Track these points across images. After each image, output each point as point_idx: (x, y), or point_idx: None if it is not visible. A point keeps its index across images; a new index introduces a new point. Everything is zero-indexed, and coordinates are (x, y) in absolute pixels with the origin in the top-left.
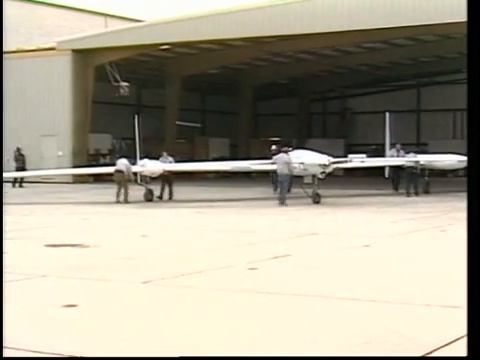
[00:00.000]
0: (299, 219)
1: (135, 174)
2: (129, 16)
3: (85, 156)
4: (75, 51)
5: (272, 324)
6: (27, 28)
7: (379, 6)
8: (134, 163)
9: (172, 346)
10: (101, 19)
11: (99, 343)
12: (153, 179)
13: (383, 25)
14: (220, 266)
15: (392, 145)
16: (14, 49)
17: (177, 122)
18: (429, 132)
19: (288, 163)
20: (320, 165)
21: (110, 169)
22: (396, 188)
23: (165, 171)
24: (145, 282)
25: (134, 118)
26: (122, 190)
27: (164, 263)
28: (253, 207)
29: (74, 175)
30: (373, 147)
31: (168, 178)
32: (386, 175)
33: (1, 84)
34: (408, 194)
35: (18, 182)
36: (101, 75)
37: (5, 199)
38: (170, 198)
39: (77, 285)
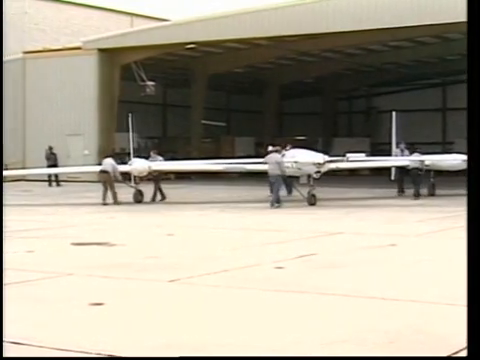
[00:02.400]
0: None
1: (127, 174)
2: (155, 15)
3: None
4: (101, 50)
5: (298, 323)
6: (53, 28)
7: (405, 4)
8: (121, 163)
9: (199, 344)
10: (127, 18)
11: (125, 341)
12: (142, 179)
13: (409, 23)
14: (246, 265)
15: (397, 144)
16: (40, 49)
17: (203, 121)
18: (455, 131)
19: (279, 163)
20: (314, 164)
21: (96, 169)
22: (401, 190)
23: (154, 171)
24: (172, 280)
25: (128, 117)
26: (109, 191)
27: (190, 262)
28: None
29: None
30: (407, 146)
31: (157, 178)
32: (392, 177)
33: (1, 84)
34: (415, 196)
35: (54, 181)
36: (127, 74)
37: (35, 198)
38: (162, 199)
39: (103, 283)
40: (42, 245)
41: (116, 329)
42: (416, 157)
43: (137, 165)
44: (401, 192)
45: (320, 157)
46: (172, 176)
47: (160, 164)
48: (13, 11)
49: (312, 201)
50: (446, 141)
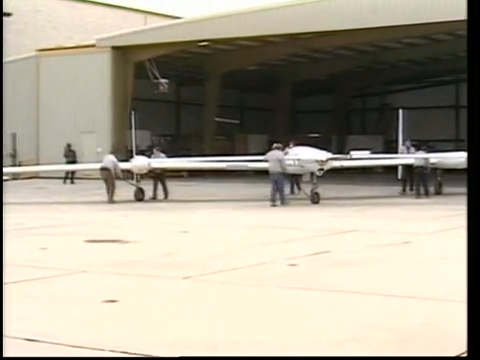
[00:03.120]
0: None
1: (129, 172)
2: (168, 13)
3: (124, 152)
4: (115, 48)
5: (310, 320)
6: (67, 26)
7: (418, 1)
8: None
9: (212, 342)
10: (141, 16)
11: (139, 338)
12: (143, 177)
13: (422, 21)
14: (259, 262)
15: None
16: (54, 47)
17: (216, 119)
18: None
19: (280, 160)
20: (317, 161)
21: (96, 166)
22: (405, 189)
23: (157, 169)
24: (185, 278)
25: (130, 114)
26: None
27: (203, 259)
28: (297, 204)
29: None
30: (413, 143)
31: (160, 176)
32: (399, 176)
33: (1, 84)
34: (418, 195)
35: (69, 178)
36: (141, 72)
37: (49, 196)
38: (165, 197)
39: (117, 281)
40: (56, 242)
41: (130, 326)
42: (421, 155)
43: (137, 162)
44: (404, 191)
45: (323, 154)
46: (185, 174)
47: (160, 161)
48: (27, 9)
49: (315, 199)
50: (459, 138)
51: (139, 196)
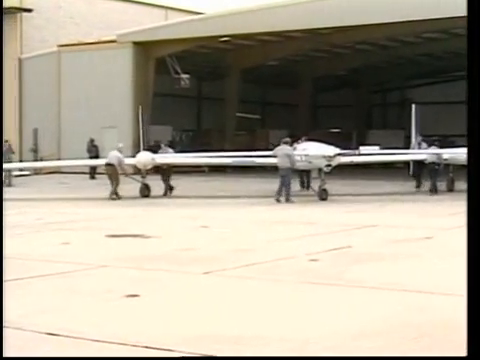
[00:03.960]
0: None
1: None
2: (189, 8)
3: (145, 148)
4: (136, 44)
5: (332, 315)
6: (88, 22)
7: None
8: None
9: (234, 336)
10: (162, 12)
11: (161, 332)
12: (148, 172)
13: (442, 15)
14: (280, 257)
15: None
16: (75, 42)
17: (237, 114)
18: None
19: (289, 155)
20: (324, 157)
21: (101, 162)
22: (419, 185)
23: (164, 164)
24: (206, 272)
25: (139, 110)
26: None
27: (224, 254)
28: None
29: (134, 167)
30: (434, 138)
31: (166, 172)
32: (411, 172)
33: (1, 84)
34: (431, 191)
35: (91, 173)
36: (162, 67)
37: (70, 191)
38: (169, 192)
39: (139, 275)
40: (77, 237)
41: (151, 321)
42: (433, 150)
43: (141, 158)
44: (418, 187)
45: (331, 150)
46: (206, 169)
47: (164, 157)
48: (49, 5)
49: (323, 196)
50: None
51: (145, 192)
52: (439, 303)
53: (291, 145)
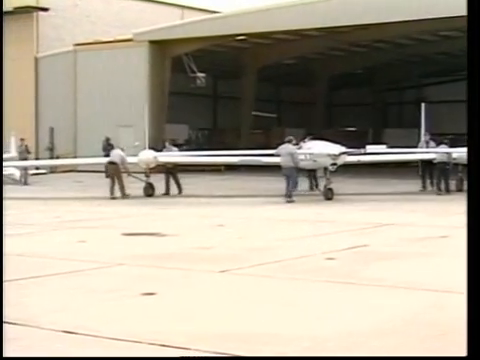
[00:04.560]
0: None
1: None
2: (205, 7)
3: (161, 146)
4: (152, 42)
5: (348, 313)
6: (104, 20)
7: None
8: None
9: (249, 334)
10: (178, 11)
11: (178, 331)
12: (151, 171)
13: (459, 13)
14: (297, 256)
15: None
16: (91, 41)
17: (253, 113)
18: None
19: (292, 154)
20: (329, 156)
21: (103, 160)
22: (424, 186)
23: (168, 163)
24: (222, 271)
25: (144, 107)
26: (116, 184)
27: (241, 252)
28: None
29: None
30: (447, 137)
31: (171, 171)
32: (420, 172)
33: (1, 84)
34: (439, 191)
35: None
36: (178, 66)
37: (85, 189)
38: (179, 192)
39: (155, 273)
40: (94, 235)
41: (168, 318)
42: (442, 149)
43: (143, 156)
44: (423, 188)
45: (336, 149)
46: (222, 168)
47: (166, 155)
48: (66, 3)
49: (328, 195)
50: None
51: (149, 192)
52: (457, 302)
53: (297, 144)
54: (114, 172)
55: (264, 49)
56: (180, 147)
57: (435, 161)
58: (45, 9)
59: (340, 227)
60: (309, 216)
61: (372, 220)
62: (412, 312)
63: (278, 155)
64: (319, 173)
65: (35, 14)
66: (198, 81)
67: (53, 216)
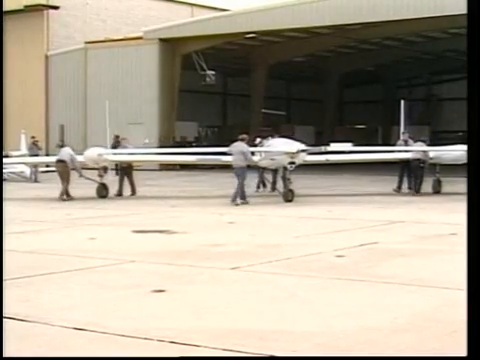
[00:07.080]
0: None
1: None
2: (215, 5)
3: (171, 143)
4: (162, 40)
5: (360, 311)
6: (114, 18)
7: None
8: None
9: (262, 331)
10: (188, 8)
11: (189, 328)
12: (105, 170)
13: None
14: (307, 253)
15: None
16: (102, 39)
17: (263, 110)
18: None
19: (244, 153)
20: (287, 154)
21: (52, 159)
22: (400, 186)
23: (123, 162)
24: (233, 268)
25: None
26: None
27: (251, 250)
28: (333, 197)
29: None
30: (459, 134)
31: (126, 170)
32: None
33: (1, 84)
34: (410, 189)
35: (116, 169)
36: (188, 64)
37: (94, 187)
38: (132, 193)
39: (165, 270)
40: (104, 233)
41: (179, 315)
42: (417, 148)
43: (87, 154)
44: (398, 189)
45: (294, 146)
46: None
47: (113, 153)
48: (76, 2)
49: (288, 197)
50: None
51: (102, 193)
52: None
53: (258, 141)
54: (62, 171)
55: (274, 47)
56: (190, 144)
57: (410, 159)
58: (55, 7)
59: (353, 224)
60: (322, 213)
61: (387, 217)
62: (423, 309)
63: (230, 154)
64: (281, 173)
65: (45, 12)
66: (208, 79)
67: (63, 213)
